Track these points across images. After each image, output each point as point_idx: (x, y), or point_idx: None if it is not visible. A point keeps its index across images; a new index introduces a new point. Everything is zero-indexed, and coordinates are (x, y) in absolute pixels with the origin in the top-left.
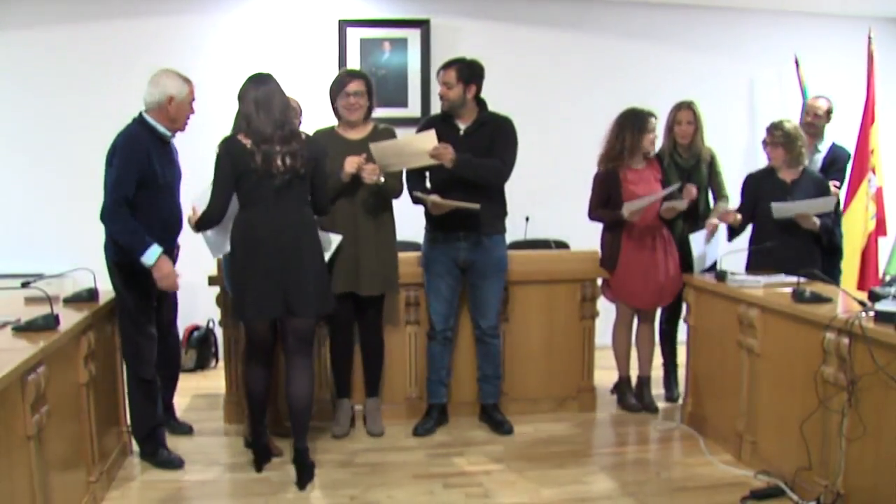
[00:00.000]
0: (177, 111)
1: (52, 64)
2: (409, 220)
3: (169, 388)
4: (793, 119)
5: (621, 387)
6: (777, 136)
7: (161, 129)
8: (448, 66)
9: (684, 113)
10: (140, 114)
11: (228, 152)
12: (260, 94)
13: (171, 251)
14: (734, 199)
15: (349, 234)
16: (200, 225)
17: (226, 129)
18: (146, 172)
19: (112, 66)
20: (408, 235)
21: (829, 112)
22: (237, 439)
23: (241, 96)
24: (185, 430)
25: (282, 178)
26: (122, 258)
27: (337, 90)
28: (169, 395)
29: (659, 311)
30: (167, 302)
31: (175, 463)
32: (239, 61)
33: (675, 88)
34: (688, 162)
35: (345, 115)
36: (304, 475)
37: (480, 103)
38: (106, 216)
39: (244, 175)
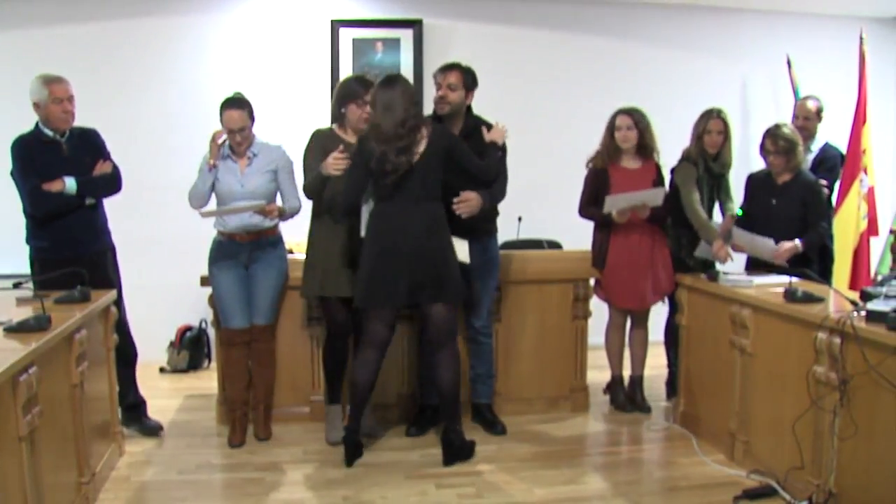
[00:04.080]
0: (45, 114)
1: (48, 64)
2: None
3: (126, 385)
4: (787, 123)
5: (613, 386)
6: (781, 146)
7: (45, 131)
8: (451, 67)
9: (715, 123)
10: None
11: (361, 150)
12: (385, 97)
13: (67, 237)
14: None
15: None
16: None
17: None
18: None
19: (109, 67)
20: None
21: (819, 112)
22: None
23: (372, 102)
24: (155, 429)
25: (396, 176)
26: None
27: (349, 97)
28: (129, 392)
29: (666, 313)
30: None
31: (154, 429)
32: (232, 62)
33: (668, 88)
34: (718, 169)
35: (359, 124)
36: (450, 454)
37: (467, 108)
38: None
39: (373, 172)
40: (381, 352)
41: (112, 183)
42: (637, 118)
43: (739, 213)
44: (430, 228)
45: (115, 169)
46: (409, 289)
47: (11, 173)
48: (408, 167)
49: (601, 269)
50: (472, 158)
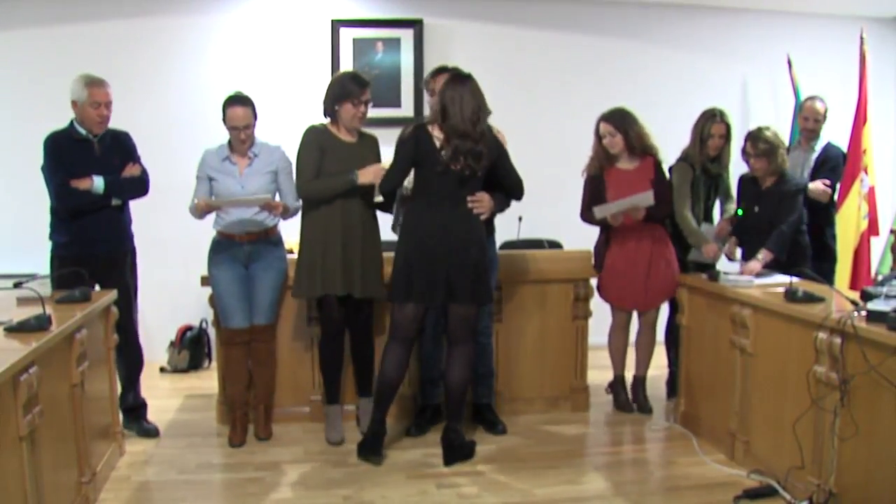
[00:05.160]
0: (81, 115)
1: (47, 64)
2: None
3: (129, 387)
4: (769, 126)
5: (616, 386)
6: (761, 149)
7: (78, 129)
8: (442, 72)
9: (717, 127)
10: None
11: (416, 138)
12: (459, 92)
13: (89, 235)
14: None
15: (343, 237)
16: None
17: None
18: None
19: (109, 67)
20: (390, 235)
21: (825, 113)
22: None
23: (442, 91)
24: (152, 432)
25: (462, 174)
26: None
27: (345, 96)
28: (130, 393)
29: (666, 312)
30: (121, 300)
31: (152, 432)
32: (232, 61)
33: (668, 88)
34: (717, 169)
35: (353, 123)
36: (450, 454)
37: None
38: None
39: (424, 164)
40: (409, 346)
41: (140, 186)
42: (616, 122)
43: (739, 212)
44: (470, 230)
45: (144, 172)
46: (444, 289)
47: (42, 168)
48: (478, 170)
49: (599, 269)
50: (512, 173)
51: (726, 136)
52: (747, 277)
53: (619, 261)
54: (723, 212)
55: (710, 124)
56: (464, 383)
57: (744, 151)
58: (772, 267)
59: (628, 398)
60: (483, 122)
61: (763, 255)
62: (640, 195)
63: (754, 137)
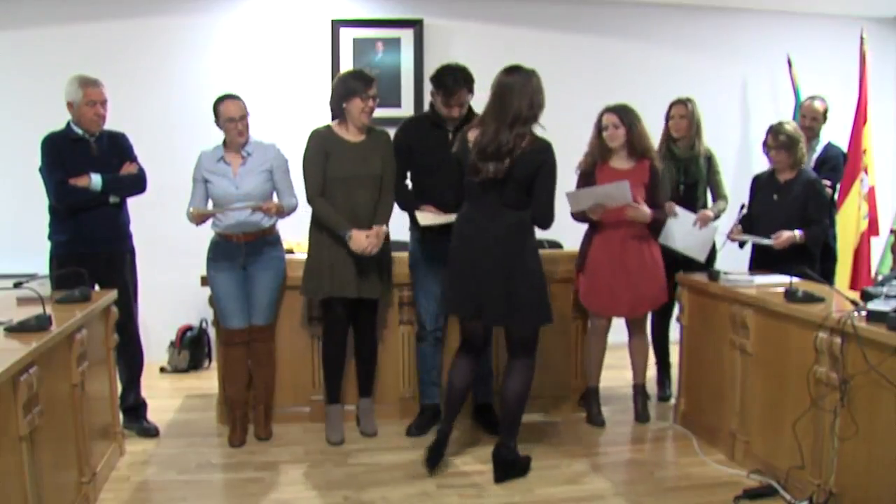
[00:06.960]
0: (77, 115)
1: (47, 64)
2: (394, 219)
3: (129, 387)
4: (790, 120)
5: (588, 398)
6: (781, 140)
7: (75, 129)
8: (457, 85)
9: (677, 108)
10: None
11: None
12: (523, 81)
13: (87, 234)
14: (733, 200)
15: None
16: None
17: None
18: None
19: (109, 67)
20: (394, 235)
21: (825, 113)
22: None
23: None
24: (152, 431)
25: (486, 179)
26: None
27: (351, 92)
28: (130, 393)
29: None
30: (121, 300)
31: (152, 431)
32: (232, 61)
33: (669, 88)
34: (683, 153)
35: (361, 119)
36: (499, 470)
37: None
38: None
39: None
40: (474, 357)
41: (137, 183)
42: (622, 115)
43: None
44: (507, 245)
45: (141, 170)
46: (476, 305)
47: (40, 169)
48: (502, 175)
49: (580, 271)
50: (542, 196)
51: (689, 119)
52: (748, 277)
53: (603, 264)
54: (713, 206)
55: (671, 106)
56: (519, 397)
57: (765, 144)
58: (780, 268)
59: (600, 410)
60: (525, 124)
61: (799, 234)
62: (612, 185)
63: (775, 130)
